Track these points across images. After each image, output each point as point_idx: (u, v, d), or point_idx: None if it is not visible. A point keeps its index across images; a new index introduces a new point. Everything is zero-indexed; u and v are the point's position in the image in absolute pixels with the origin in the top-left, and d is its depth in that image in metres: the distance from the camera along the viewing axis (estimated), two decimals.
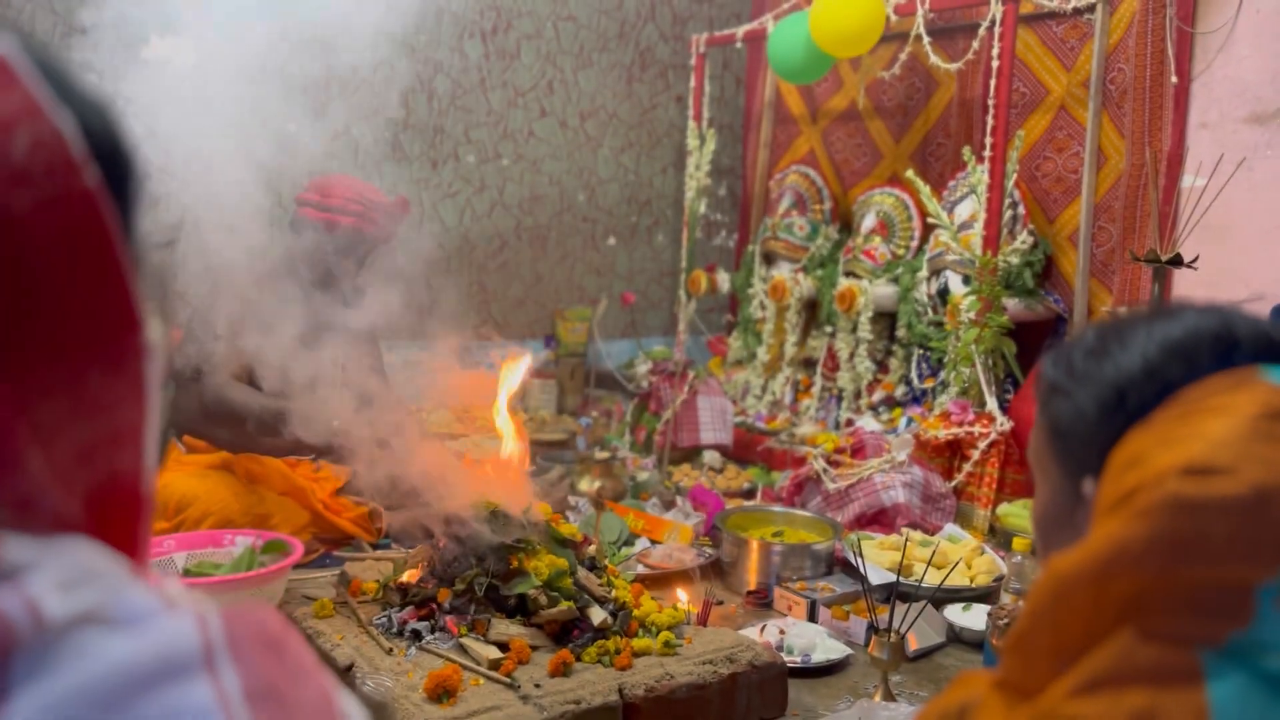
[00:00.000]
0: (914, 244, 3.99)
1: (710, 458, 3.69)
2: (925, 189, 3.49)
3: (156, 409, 0.57)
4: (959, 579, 2.58)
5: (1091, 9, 3.47)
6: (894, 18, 3.60)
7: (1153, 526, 0.69)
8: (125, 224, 0.55)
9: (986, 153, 3.36)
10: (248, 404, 2.67)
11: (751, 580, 2.61)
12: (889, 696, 2.02)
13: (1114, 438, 0.80)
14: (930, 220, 3.58)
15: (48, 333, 0.50)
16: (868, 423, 3.56)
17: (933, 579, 2.46)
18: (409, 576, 2.16)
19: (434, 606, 2.01)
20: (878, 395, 3.85)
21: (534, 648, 1.91)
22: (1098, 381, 0.83)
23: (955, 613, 2.42)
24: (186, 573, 2.36)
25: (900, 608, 2.10)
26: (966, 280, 3.50)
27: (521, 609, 1.99)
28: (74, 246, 0.51)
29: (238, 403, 2.68)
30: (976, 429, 3.17)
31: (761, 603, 2.56)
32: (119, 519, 0.55)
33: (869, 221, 4.10)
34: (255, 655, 0.49)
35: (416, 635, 1.96)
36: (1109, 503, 0.75)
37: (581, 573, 2.08)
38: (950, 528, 2.96)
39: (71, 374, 0.52)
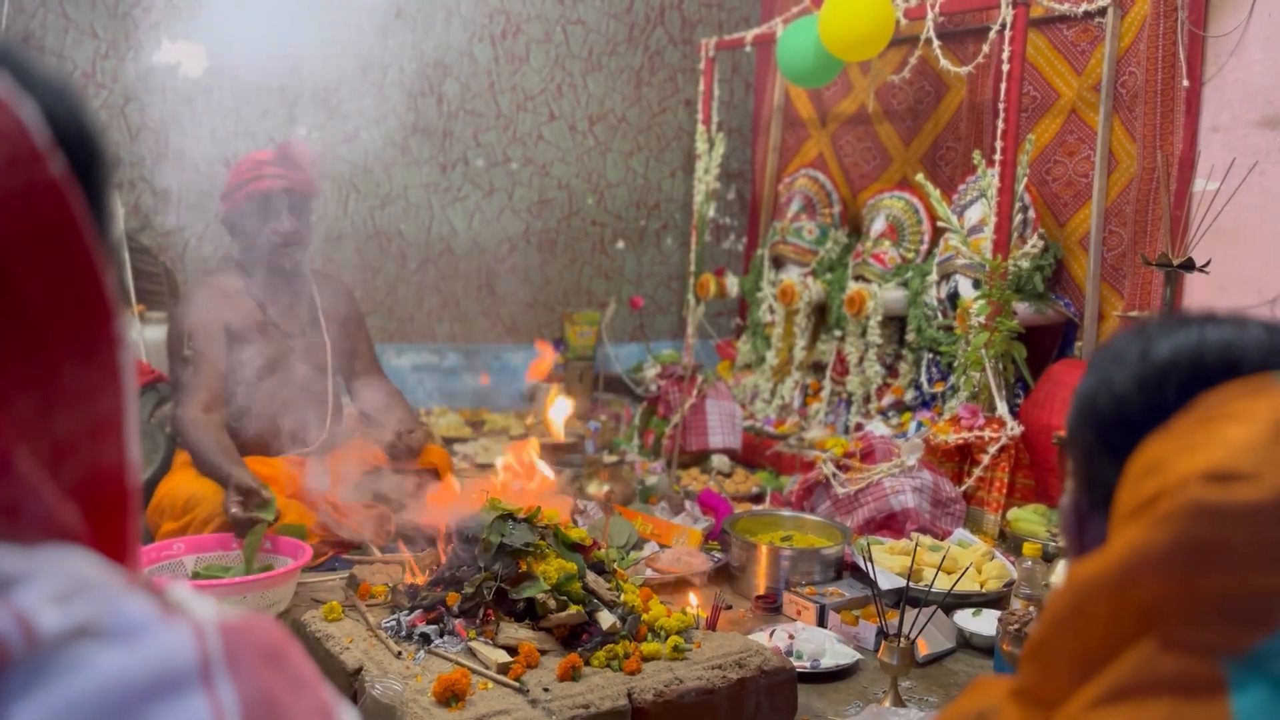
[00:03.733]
0: (924, 248, 3.98)
1: (719, 462, 3.69)
2: (935, 193, 3.49)
3: (134, 398, 0.56)
4: (969, 584, 2.57)
5: (1102, 12, 3.46)
6: (903, 21, 3.59)
7: (1175, 533, 0.68)
8: (94, 211, 0.54)
9: (997, 156, 3.35)
10: (200, 451, 2.69)
11: (760, 585, 2.60)
12: (898, 702, 2.02)
13: (1101, 449, 0.82)
14: (940, 224, 3.57)
15: (22, 326, 0.49)
16: (877, 427, 3.55)
17: (943, 584, 2.45)
18: (418, 579, 2.17)
19: (443, 610, 2.01)
20: (887, 399, 3.84)
21: (543, 652, 1.90)
22: (1080, 395, 0.85)
23: (965, 618, 2.41)
24: (195, 575, 2.37)
25: (910, 613, 2.09)
26: (976, 284, 3.49)
27: (530, 613, 1.98)
28: (43, 237, 0.50)
29: (192, 445, 2.72)
30: (986, 433, 3.16)
31: (770, 607, 2.55)
32: (106, 516, 0.54)
33: (878, 225, 4.09)
34: (254, 667, 0.48)
35: (425, 639, 1.96)
36: (1128, 510, 0.74)
37: (590, 577, 2.07)
38: (960, 532, 2.95)
39: (48, 367, 0.51)
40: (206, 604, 0.52)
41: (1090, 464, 0.84)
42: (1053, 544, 2.80)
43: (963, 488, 3.15)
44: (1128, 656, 0.69)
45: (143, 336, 3.55)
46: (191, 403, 2.76)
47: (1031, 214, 3.59)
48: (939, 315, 3.72)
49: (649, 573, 2.60)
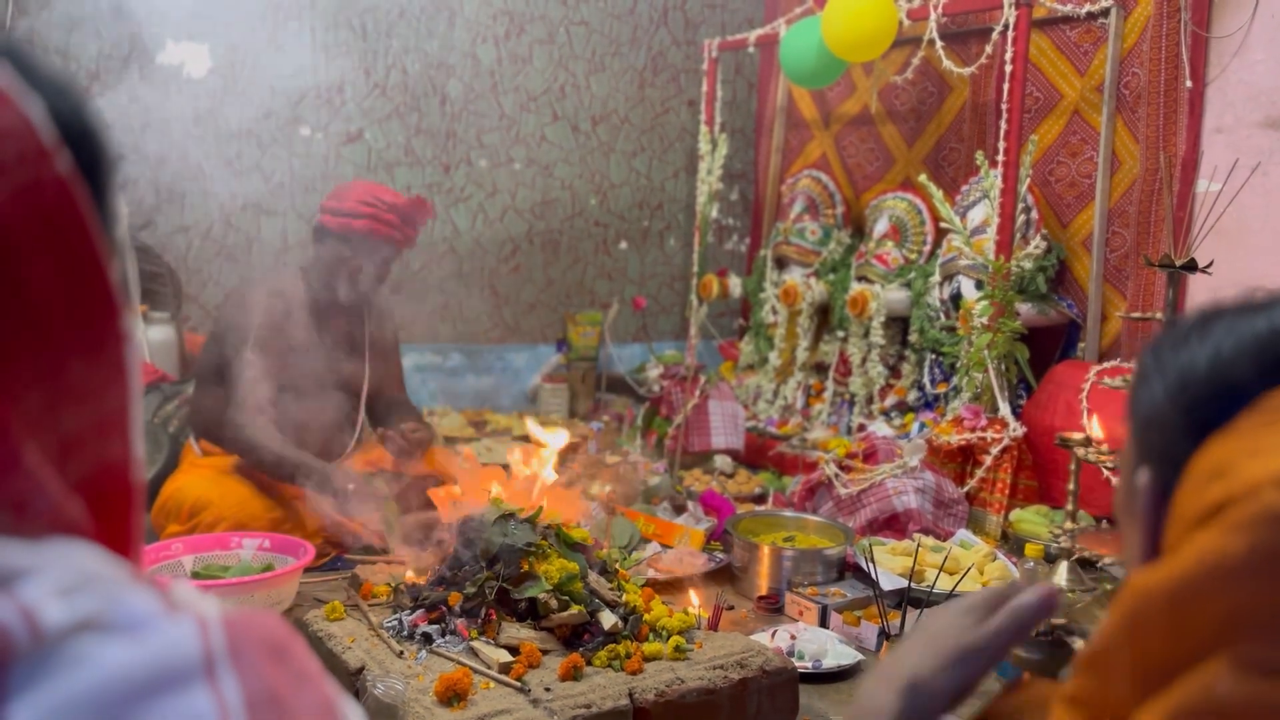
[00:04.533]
0: (926, 249, 3.98)
1: (721, 462, 3.69)
2: (938, 193, 3.48)
3: (139, 395, 0.56)
4: (971, 585, 2.57)
5: (1105, 13, 3.46)
6: (907, 22, 3.59)
7: (1251, 541, 0.64)
8: (100, 207, 0.54)
9: (1000, 157, 3.35)
10: (267, 449, 2.66)
11: (762, 585, 2.60)
12: None
13: (1178, 431, 0.76)
14: (943, 225, 3.57)
15: (29, 323, 0.50)
16: (880, 428, 3.54)
17: (945, 585, 2.45)
18: (420, 579, 2.17)
19: (445, 610, 2.01)
20: (890, 400, 3.83)
21: (544, 651, 1.90)
22: (1169, 370, 0.78)
23: None
24: (195, 575, 2.37)
25: (912, 613, 2.09)
26: (979, 285, 3.49)
27: (532, 613, 1.98)
28: (49, 234, 0.50)
29: (258, 446, 2.68)
30: (989, 434, 3.16)
31: (773, 608, 2.55)
32: (111, 511, 0.55)
33: (881, 226, 4.09)
34: (257, 662, 0.48)
35: (427, 638, 1.96)
36: (1193, 516, 0.70)
37: (592, 577, 2.07)
38: (962, 533, 2.95)
39: (55, 363, 0.51)
40: (210, 600, 0.52)
41: (1174, 443, 0.76)
42: (1055, 545, 2.80)
43: (965, 489, 3.15)
44: (1197, 675, 0.65)
45: (146, 337, 3.55)
46: (243, 405, 2.71)
47: (1034, 215, 3.59)
48: (942, 316, 3.72)
49: (651, 573, 2.60)
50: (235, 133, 4.00)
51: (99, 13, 3.72)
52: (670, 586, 2.56)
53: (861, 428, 3.71)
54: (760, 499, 3.41)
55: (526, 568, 2.01)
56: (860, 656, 2.21)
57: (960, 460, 3.24)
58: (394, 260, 2.97)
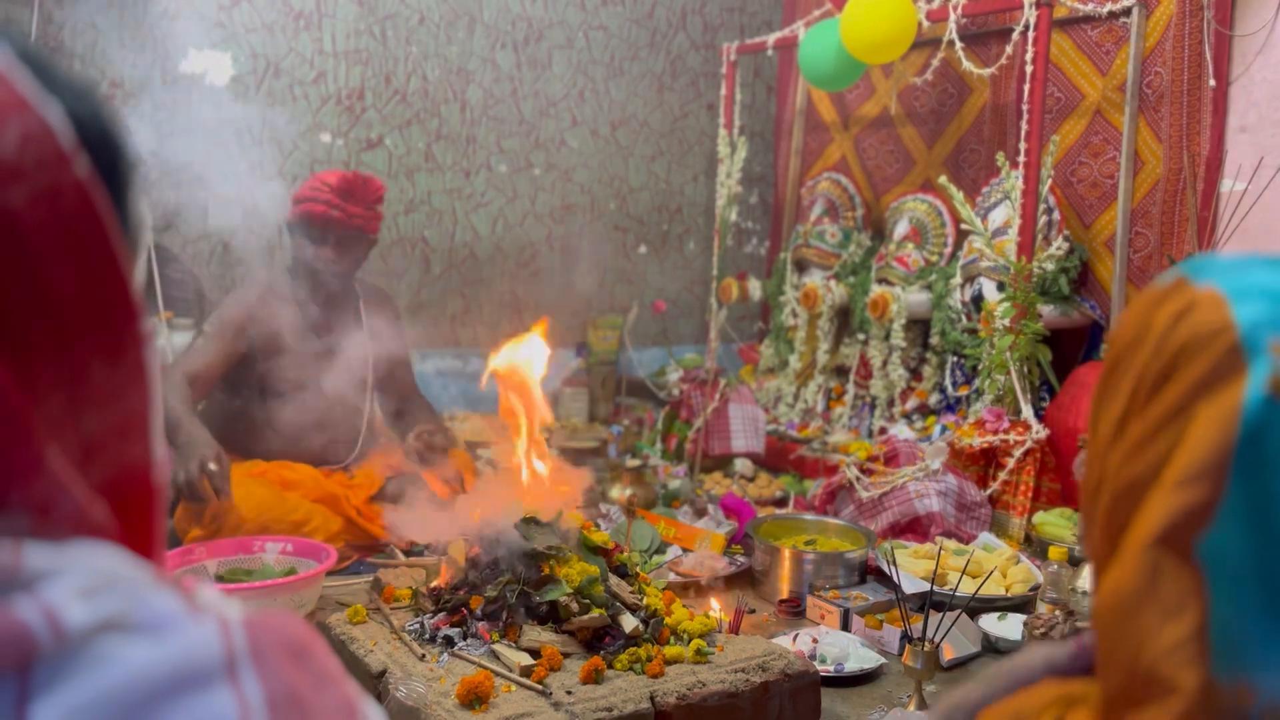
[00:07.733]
0: (947, 250, 3.96)
1: (742, 466, 3.68)
2: (958, 195, 3.47)
3: (160, 397, 0.57)
4: (994, 588, 2.56)
5: (1127, 12, 3.43)
6: (926, 23, 3.58)
7: None
8: (119, 211, 0.55)
9: (1020, 158, 3.33)
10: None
11: (784, 589, 2.60)
12: (923, 706, 2.01)
13: None
14: (964, 226, 3.55)
15: (50, 327, 0.50)
16: (901, 431, 3.53)
17: (967, 588, 2.44)
18: (441, 582, 2.18)
19: (466, 613, 2.01)
20: (911, 403, 3.82)
21: (566, 655, 1.91)
22: None
23: (990, 622, 2.39)
24: (219, 579, 2.39)
25: (934, 617, 2.08)
26: (1001, 287, 3.47)
27: (553, 616, 1.99)
28: (69, 238, 0.51)
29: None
30: (1011, 437, 3.14)
31: (794, 611, 2.54)
32: (133, 513, 0.55)
33: (902, 228, 4.07)
34: (278, 662, 0.48)
35: (449, 641, 1.96)
36: None
37: (613, 580, 2.07)
38: (985, 536, 2.93)
39: (76, 367, 0.51)
40: (232, 602, 0.52)
41: None
42: (1079, 548, 2.78)
43: (988, 491, 3.13)
44: None
45: (170, 343, 3.58)
46: (177, 366, 2.78)
47: (1056, 216, 3.57)
48: (963, 318, 3.70)
49: (672, 576, 2.60)
50: (257, 139, 4.03)
51: (123, 21, 3.76)
52: (691, 590, 2.55)
53: (883, 431, 3.70)
54: (781, 502, 3.40)
55: (547, 571, 2.01)
56: (882, 660, 2.20)
57: (982, 463, 3.22)
58: (351, 242, 2.97)
